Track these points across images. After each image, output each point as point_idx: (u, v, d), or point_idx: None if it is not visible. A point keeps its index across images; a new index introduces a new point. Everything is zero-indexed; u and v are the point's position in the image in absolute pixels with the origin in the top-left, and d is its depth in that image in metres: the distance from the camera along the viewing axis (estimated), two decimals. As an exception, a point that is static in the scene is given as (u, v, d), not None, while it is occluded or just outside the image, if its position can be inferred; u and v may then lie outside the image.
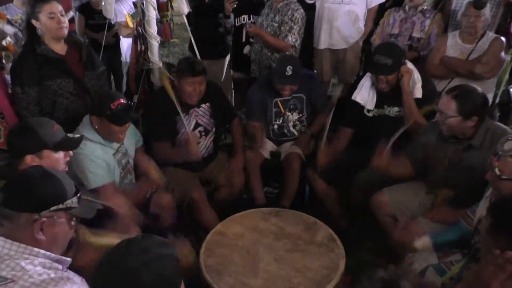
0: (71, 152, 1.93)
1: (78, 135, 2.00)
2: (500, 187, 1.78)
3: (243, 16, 3.92)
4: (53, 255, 1.32)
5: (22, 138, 1.81)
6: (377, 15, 3.70)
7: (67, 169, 1.91)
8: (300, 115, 3.14)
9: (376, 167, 2.46)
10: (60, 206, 1.33)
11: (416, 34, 3.39)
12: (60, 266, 1.32)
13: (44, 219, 1.31)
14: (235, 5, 3.83)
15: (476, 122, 2.17)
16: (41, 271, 1.23)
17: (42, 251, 1.29)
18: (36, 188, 1.32)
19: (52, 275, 1.24)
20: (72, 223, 1.40)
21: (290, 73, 2.85)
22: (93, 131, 2.30)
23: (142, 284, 1.05)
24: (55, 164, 1.83)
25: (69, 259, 1.37)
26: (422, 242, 2.09)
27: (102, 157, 2.30)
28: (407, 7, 3.41)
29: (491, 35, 3.08)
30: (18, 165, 1.80)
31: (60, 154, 1.86)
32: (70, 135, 1.94)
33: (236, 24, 3.93)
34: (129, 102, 3.16)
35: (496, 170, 1.77)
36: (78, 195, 1.40)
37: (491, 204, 1.80)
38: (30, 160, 1.78)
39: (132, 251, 1.10)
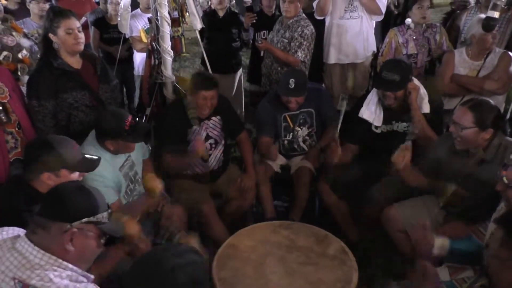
0: (85, 173, 1.94)
1: (96, 157, 1.99)
2: (510, 196, 1.80)
3: (263, 32, 4.03)
4: (79, 270, 1.36)
5: (42, 155, 1.80)
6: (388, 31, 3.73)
7: None
8: (310, 129, 3.16)
9: (395, 165, 2.43)
10: (92, 219, 1.37)
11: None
12: (85, 279, 1.35)
13: (75, 229, 1.34)
14: (254, 21, 3.90)
15: (491, 134, 2.16)
16: (68, 284, 1.27)
17: (70, 265, 1.33)
18: (70, 200, 1.36)
19: (78, 286, 1.28)
20: (101, 241, 1.44)
21: (292, 85, 2.88)
22: (99, 147, 2.30)
23: (176, 284, 1.09)
24: None
25: (92, 276, 1.40)
26: (441, 241, 2.04)
27: (108, 175, 2.29)
28: (412, 25, 3.39)
29: (498, 50, 3.09)
30: (32, 180, 1.81)
31: (76, 174, 1.87)
32: (88, 156, 1.95)
33: (256, 38, 4.01)
34: (139, 116, 3.22)
35: (504, 179, 1.79)
36: (109, 211, 1.44)
37: (501, 216, 1.79)
38: (47, 177, 1.78)
39: (166, 254, 1.16)
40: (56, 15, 2.40)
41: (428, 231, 2.11)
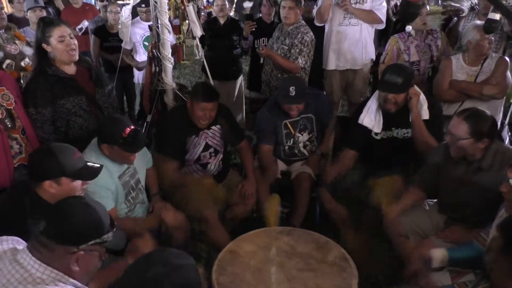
0: (88, 182, 1.93)
1: (98, 165, 1.98)
2: None
3: (262, 39, 4.06)
4: (79, 284, 1.35)
5: (43, 163, 1.81)
6: (385, 37, 3.75)
7: (83, 195, 1.90)
8: (311, 135, 3.17)
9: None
10: (97, 240, 1.36)
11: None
12: None
13: (82, 252, 1.33)
14: (254, 29, 3.93)
15: (486, 144, 2.17)
16: None
17: (71, 279, 1.33)
18: (76, 222, 1.34)
19: None
20: (103, 254, 1.43)
21: (293, 93, 2.89)
22: (100, 154, 2.30)
23: None
24: (72, 192, 1.83)
25: None
26: (439, 252, 2.05)
27: (106, 184, 2.28)
28: (413, 32, 3.41)
29: (494, 55, 3.11)
30: (36, 188, 1.81)
31: (78, 183, 1.86)
32: (90, 164, 1.93)
33: (255, 46, 4.03)
34: (138, 121, 3.22)
35: (511, 181, 1.78)
36: (114, 229, 1.42)
37: (501, 222, 1.79)
38: (48, 185, 1.79)
39: (151, 264, 1.14)
40: (46, 25, 2.43)
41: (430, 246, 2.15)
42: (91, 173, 1.93)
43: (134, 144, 2.29)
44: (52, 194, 1.79)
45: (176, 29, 3.49)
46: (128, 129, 2.25)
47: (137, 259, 1.24)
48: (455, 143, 2.20)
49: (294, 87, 2.89)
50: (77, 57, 2.50)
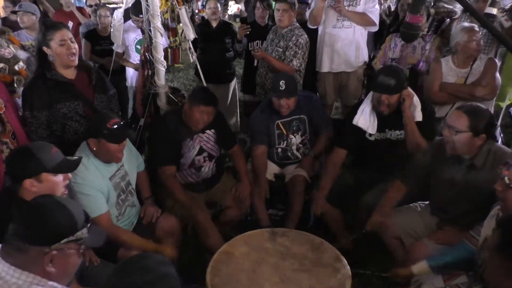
0: (70, 175, 1.91)
1: (77, 157, 1.98)
2: (509, 196, 1.79)
3: (256, 41, 4.07)
4: (59, 286, 1.32)
5: (20, 162, 1.78)
6: (380, 39, 3.78)
7: (66, 192, 1.90)
8: (303, 137, 3.18)
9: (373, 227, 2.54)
10: (71, 238, 1.32)
11: (415, 60, 3.45)
12: None
13: (55, 252, 1.29)
14: (248, 32, 3.94)
15: (483, 141, 2.17)
16: None
17: (50, 282, 1.29)
18: (47, 221, 1.30)
19: None
20: (81, 250, 1.39)
21: (283, 87, 2.91)
22: (90, 155, 2.29)
23: None
24: (55, 187, 1.81)
25: None
26: (419, 267, 2.11)
27: (97, 186, 2.28)
28: None
29: (483, 57, 3.14)
30: (18, 190, 1.79)
31: (60, 177, 1.83)
32: (68, 157, 1.93)
33: (249, 48, 4.04)
34: (131, 124, 3.22)
35: (506, 179, 1.78)
36: (88, 225, 1.38)
37: (501, 219, 1.78)
38: (29, 184, 1.76)
39: (134, 271, 1.12)
40: (48, 28, 2.43)
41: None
42: (71, 166, 1.91)
43: (118, 135, 2.28)
44: (35, 193, 1.75)
45: (173, 32, 3.48)
46: (113, 121, 2.26)
47: (118, 264, 1.21)
48: (452, 137, 2.19)
49: (284, 81, 2.91)
50: (76, 62, 2.50)
